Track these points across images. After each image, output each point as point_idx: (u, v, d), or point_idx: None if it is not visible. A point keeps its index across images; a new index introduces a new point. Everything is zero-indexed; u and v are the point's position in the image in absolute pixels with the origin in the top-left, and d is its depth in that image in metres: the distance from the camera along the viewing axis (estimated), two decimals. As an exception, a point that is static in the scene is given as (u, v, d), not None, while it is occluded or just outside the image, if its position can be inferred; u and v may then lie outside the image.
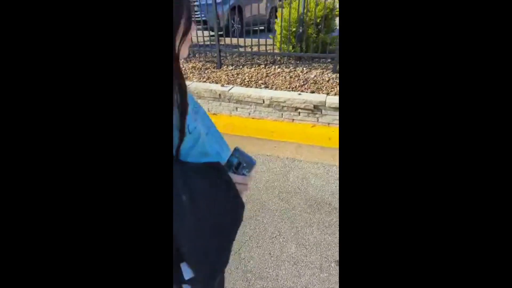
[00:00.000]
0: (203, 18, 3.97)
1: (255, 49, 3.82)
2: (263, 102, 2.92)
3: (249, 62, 3.86)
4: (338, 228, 1.59)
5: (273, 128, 2.81)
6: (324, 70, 3.38)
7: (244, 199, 0.57)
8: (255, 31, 4.84)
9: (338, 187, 1.91)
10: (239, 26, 5.21)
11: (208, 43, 3.89)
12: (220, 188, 0.54)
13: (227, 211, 0.55)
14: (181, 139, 0.50)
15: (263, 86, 3.19)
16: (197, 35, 3.77)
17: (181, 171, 0.50)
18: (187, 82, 0.51)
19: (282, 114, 2.93)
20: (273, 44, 3.75)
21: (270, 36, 3.86)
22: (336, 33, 3.57)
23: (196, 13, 4.37)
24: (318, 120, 2.82)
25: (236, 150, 0.58)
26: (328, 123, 2.78)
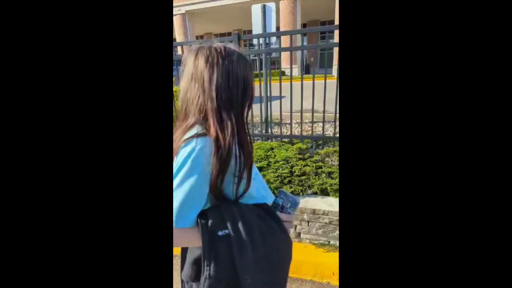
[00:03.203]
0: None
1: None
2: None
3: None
4: None
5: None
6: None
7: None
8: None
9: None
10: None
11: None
12: (270, 224, 0.61)
13: (278, 246, 0.62)
14: (247, 188, 0.63)
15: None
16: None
17: (239, 210, 0.59)
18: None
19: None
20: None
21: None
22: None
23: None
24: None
25: (281, 192, 0.66)
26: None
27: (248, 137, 0.63)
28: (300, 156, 2.48)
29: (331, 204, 1.92)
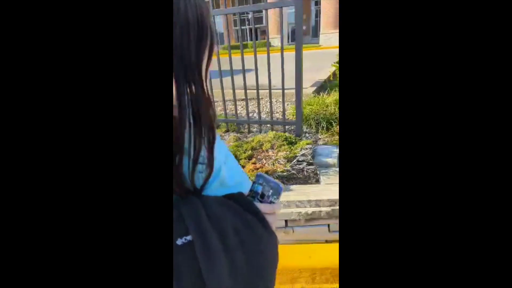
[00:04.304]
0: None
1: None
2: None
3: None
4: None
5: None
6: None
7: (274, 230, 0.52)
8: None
9: None
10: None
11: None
12: (250, 221, 0.47)
13: (260, 247, 0.47)
14: (209, 174, 0.48)
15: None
16: None
17: (205, 206, 0.45)
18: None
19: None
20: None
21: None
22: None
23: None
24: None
25: (260, 176, 0.53)
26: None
27: (210, 105, 0.46)
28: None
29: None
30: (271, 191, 0.52)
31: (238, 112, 2.59)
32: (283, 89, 2.15)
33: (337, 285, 1.45)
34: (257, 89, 2.24)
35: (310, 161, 1.87)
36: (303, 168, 1.81)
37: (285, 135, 2.10)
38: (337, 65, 4.05)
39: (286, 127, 2.38)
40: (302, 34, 1.95)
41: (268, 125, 2.46)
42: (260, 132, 2.41)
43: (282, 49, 2.08)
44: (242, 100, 2.74)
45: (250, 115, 2.75)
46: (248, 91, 2.35)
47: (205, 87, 0.45)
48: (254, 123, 2.44)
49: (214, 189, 0.50)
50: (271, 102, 2.27)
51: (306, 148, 1.95)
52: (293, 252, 1.50)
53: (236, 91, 2.40)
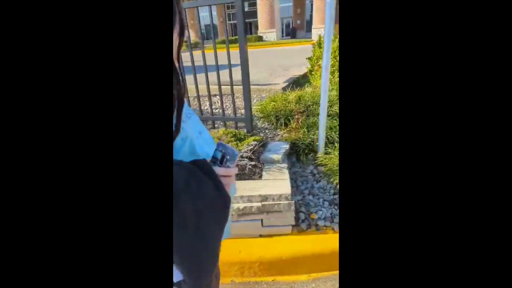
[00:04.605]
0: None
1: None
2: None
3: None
4: None
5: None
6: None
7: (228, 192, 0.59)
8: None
9: None
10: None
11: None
12: (206, 183, 0.55)
13: (212, 207, 0.56)
14: (176, 133, 0.56)
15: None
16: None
17: None
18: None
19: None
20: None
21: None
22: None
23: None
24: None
25: (220, 144, 0.60)
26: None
27: (179, 76, 0.56)
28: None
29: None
30: (228, 157, 0.58)
31: (195, 108, 2.59)
32: (231, 85, 2.15)
33: (265, 278, 1.48)
34: (207, 85, 2.24)
35: (252, 157, 1.89)
36: (246, 164, 1.83)
37: (234, 132, 2.11)
38: (309, 60, 4.04)
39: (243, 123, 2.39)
40: (244, 31, 1.94)
41: (231, 122, 2.46)
42: (214, 128, 2.42)
43: (227, 44, 2.08)
44: (207, 96, 2.75)
45: (211, 111, 2.76)
46: (202, 87, 2.35)
47: (176, 65, 0.53)
48: (206, 120, 2.45)
49: (183, 155, 0.60)
50: (221, 98, 2.27)
51: (252, 144, 1.96)
52: (224, 247, 1.52)
53: (199, 87, 2.41)
